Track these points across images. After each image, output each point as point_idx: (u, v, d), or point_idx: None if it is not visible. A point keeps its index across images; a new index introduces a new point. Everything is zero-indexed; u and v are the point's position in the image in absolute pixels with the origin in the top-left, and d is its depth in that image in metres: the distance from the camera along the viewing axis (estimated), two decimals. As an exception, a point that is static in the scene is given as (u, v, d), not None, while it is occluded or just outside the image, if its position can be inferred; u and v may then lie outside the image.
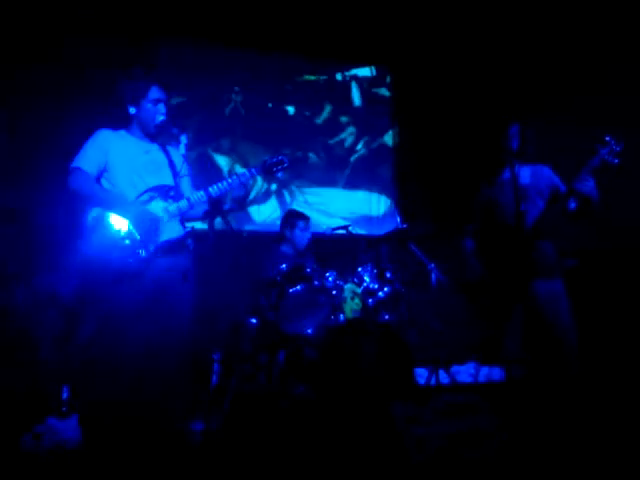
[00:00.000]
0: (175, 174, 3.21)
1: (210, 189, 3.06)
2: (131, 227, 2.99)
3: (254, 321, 4.24)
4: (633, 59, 4.85)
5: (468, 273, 3.72)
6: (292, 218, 4.88)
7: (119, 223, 2.99)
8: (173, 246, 3.10)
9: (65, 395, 3.88)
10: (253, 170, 3.24)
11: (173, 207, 3.09)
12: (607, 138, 3.28)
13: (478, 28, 6.12)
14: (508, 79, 6.00)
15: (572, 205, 3.38)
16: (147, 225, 3.01)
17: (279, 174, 3.35)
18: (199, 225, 3.36)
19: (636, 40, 4.85)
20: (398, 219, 5.03)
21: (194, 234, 3.27)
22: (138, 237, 2.99)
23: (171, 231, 3.10)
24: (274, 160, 3.31)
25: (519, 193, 3.30)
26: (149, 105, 3.15)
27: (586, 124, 4.92)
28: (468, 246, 3.76)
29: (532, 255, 3.37)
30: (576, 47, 5.27)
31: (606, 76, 5.04)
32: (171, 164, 3.22)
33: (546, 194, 3.53)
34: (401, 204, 6.56)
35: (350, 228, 5.05)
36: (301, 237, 4.82)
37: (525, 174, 3.55)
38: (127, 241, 2.97)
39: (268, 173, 3.30)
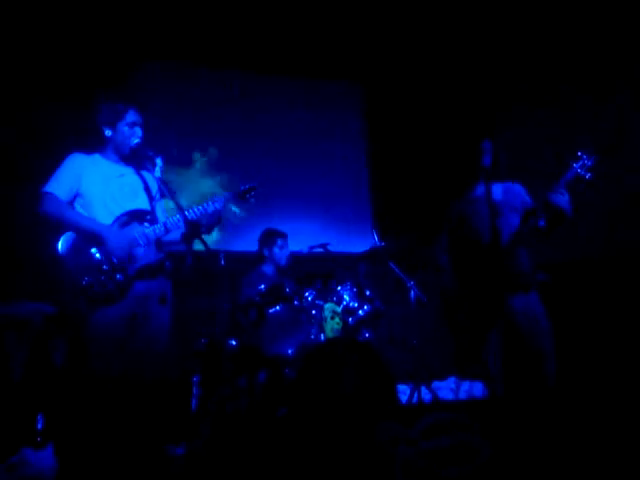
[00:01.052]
0: (151, 198, 3.18)
1: (186, 213, 3.03)
2: (108, 251, 2.95)
3: (233, 342, 4.20)
4: (603, 70, 4.93)
5: (445, 287, 3.72)
6: (270, 237, 4.87)
7: (96, 247, 2.95)
8: (150, 270, 3.07)
9: (40, 424, 3.79)
10: (227, 195, 3.25)
11: (149, 231, 3.06)
12: (579, 153, 3.34)
13: (447, 44, 6.20)
14: (479, 93, 6.07)
15: (541, 222, 3.41)
16: (125, 249, 2.98)
17: (252, 200, 3.35)
18: (176, 247, 3.32)
19: (604, 52, 4.93)
20: (375, 237, 5.03)
21: (172, 257, 3.23)
22: (115, 261, 2.95)
23: (148, 255, 3.06)
24: (247, 187, 3.34)
25: (493, 211, 3.32)
26: (125, 128, 3.14)
27: (555, 139, 5.01)
28: (443, 261, 3.76)
29: (507, 270, 3.38)
30: (545, 62, 5.35)
31: (574, 90, 5.12)
32: (146, 188, 3.19)
33: (520, 210, 3.55)
34: (378, 222, 6.56)
35: (328, 246, 5.04)
36: (280, 254, 4.83)
37: (497, 190, 3.56)
38: (104, 266, 2.93)
39: (241, 199, 3.31)
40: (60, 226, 2.99)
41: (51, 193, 3.01)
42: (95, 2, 5.18)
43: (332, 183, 6.65)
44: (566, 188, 3.30)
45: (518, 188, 3.63)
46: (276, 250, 4.81)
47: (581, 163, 3.30)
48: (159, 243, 3.15)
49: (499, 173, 3.60)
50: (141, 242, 3.03)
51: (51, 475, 3.37)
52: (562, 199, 3.29)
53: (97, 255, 2.94)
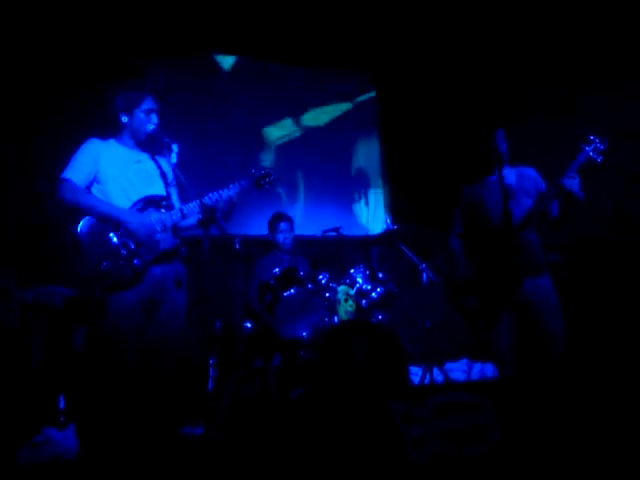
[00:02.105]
0: (167, 184, 3.22)
1: (203, 199, 3.07)
2: (126, 236, 3.00)
3: (249, 325, 4.26)
4: (614, 61, 4.91)
5: (457, 272, 3.76)
6: (275, 222, 4.90)
7: (114, 232, 3.00)
8: (167, 255, 3.12)
9: (62, 405, 3.89)
10: (243, 183, 3.27)
11: (166, 217, 3.11)
12: (591, 137, 3.38)
13: (460, 34, 6.17)
14: (491, 80, 6.06)
15: (554, 212, 3.46)
16: (143, 234, 3.03)
17: (267, 186, 3.38)
18: (193, 232, 3.37)
19: (616, 42, 4.90)
20: (388, 220, 5.06)
21: (189, 241, 3.29)
22: (133, 246, 3.00)
23: (165, 241, 3.11)
24: (262, 172, 3.36)
25: (506, 194, 3.36)
26: (142, 114, 3.17)
27: (569, 125, 5.00)
28: (456, 245, 3.80)
29: (519, 253, 3.41)
30: (557, 50, 5.33)
31: (587, 77, 5.10)
32: (162, 174, 3.23)
33: (533, 193, 3.58)
34: (390, 206, 6.58)
35: (341, 230, 5.07)
36: (284, 238, 4.84)
37: (511, 175, 3.61)
38: (122, 251, 2.98)
39: (257, 186, 3.33)
40: (78, 211, 3.04)
41: (69, 179, 3.05)
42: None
43: (345, 168, 6.67)
44: (577, 172, 3.34)
45: (532, 172, 3.66)
46: (279, 235, 4.83)
47: (593, 146, 3.36)
48: (175, 229, 3.19)
49: (512, 159, 3.64)
50: (158, 227, 3.07)
51: (73, 454, 3.46)
52: (574, 183, 3.33)
53: (115, 240, 2.98)
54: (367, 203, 6.67)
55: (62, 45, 5.12)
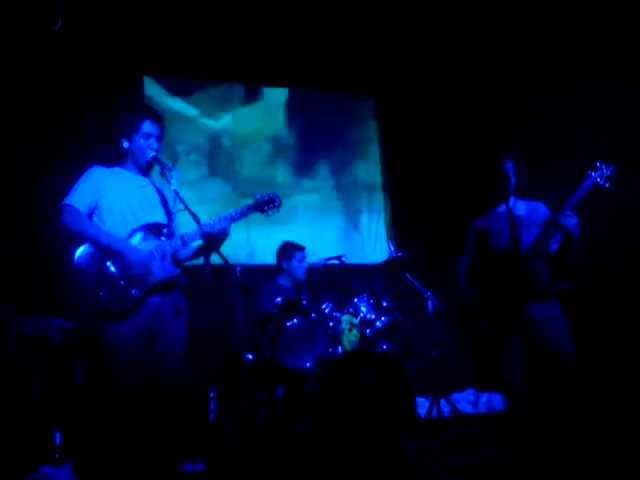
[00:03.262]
0: (168, 211, 3.16)
1: (204, 226, 3.00)
2: (125, 265, 2.93)
3: (250, 357, 4.18)
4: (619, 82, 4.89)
5: (463, 302, 3.72)
6: (288, 250, 4.84)
7: (111, 262, 2.93)
8: (166, 285, 3.05)
9: (58, 441, 3.78)
10: (245, 209, 3.20)
11: (166, 245, 3.04)
12: (597, 163, 3.39)
13: (460, 57, 6.21)
14: (494, 105, 6.05)
15: (554, 246, 3.44)
16: (142, 263, 2.96)
17: (270, 213, 3.29)
18: (193, 260, 3.30)
19: (621, 62, 4.90)
20: (391, 248, 5.01)
21: (189, 270, 3.21)
22: (130, 276, 2.93)
23: (164, 270, 3.04)
24: (266, 198, 3.27)
25: (514, 222, 3.34)
26: (141, 140, 3.11)
27: (574, 150, 4.98)
28: (461, 278, 3.76)
29: (526, 280, 3.37)
30: (561, 71, 5.33)
31: (591, 102, 5.09)
32: (163, 201, 3.17)
33: (541, 226, 3.56)
34: (393, 233, 6.53)
35: (344, 258, 5.01)
36: (299, 267, 4.79)
37: (521, 207, 3.63)
38: (120, 281, 2.91)
39: (260, 212, 3.26)
40: (79, 239, 2.97)
41: (71, 205, 2.99)
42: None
43: (347, 193, 6.64)
44: (574, 210, 3.33)
45: (542, 207, 3.66)
46: (295, 263, 4.78)
47: (599, 172, 3.35)
48: (176, 257, 3.12)
49: (522, 190, 3.63)
50: (157, 256, 3.01)
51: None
52: (570, 221, 3.32)
53: (112, 269, 2.92)
54: (369, 230, 6.61)
55: (67, 67, 5.14)
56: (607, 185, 3.35)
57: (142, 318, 2.93)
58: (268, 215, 3.28)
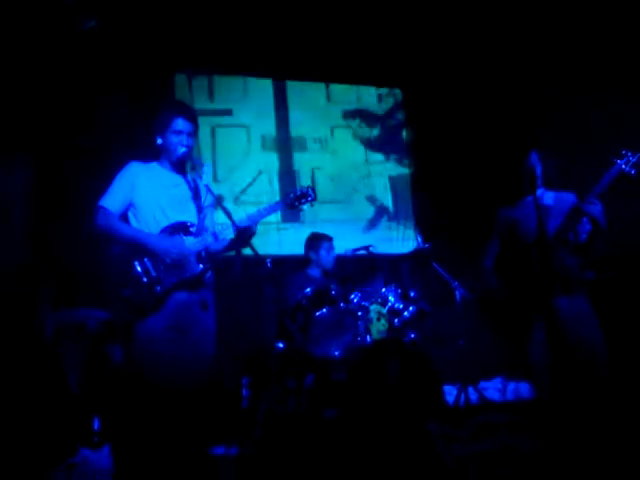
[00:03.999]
0: (199, 208, 3.22)
1: (237, 222, 3.06)
2: (151, 263, 3.02)
3: (281, 345, 4.25)
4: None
5: (489, 294, 3.73)
6: (316, 240, 4.90)
7: (138, 261, 3.02)
8: (191, 282, 3.10)
9: (96, 425, 3.91)
10: (279, 205, 3.26)
11: (193, 243, 3.09)
12: (623, 151, 3.35)
13: (489, 46, 6.17)
14: (523, 100, 6.02)
15: (583, 236, 3.41)
16: (168, 261, 3.04)
17: (304, 207, 3.31)
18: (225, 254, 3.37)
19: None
20: (419, 238, 5.04)
21: (221, 262, 3.29)
22: (154, 274, 3.01)
23: (189, 268, 3.09)
24: (298, 193, 3.29)
25: (542, 212, 3.33)
26: (173, 136, 3.16)
27: (603, 141, 4.93)
28: (488, 267, 3.76)
29: (553, 270, 3.36)
30: (588, 65, 5.28)
31: (623, 92, 5.03)
32: (196, 198, 3.23)
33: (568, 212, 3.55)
34: (421, 223, 6.55)
35: (371, 248, 5.06)
36: (327, 257, 4.84)
37: (549, 197, 3.59)
38: (144, 278, 3.00)
39: (292, 207, 3.30)
40: (112, 239, 3.08)
41: (105, 207, 3.09)
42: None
43: (375, 185, 6.67)
44: (598, 198, 3.31)
45: (571, 197, 3.63)
46: (323, 253, 4.82)
47: (625, 160, 3.32)
48: (202, 254, 3.15)
49: (549, 181, 3.62)
50: (185, 254, 3.07)
51: (107, 475, 3.48)
52: (594, 209, 3.31)
53: (138, 268, 3.00)
54: (397, 220, 6.64)
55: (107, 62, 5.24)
56: (633, 172, 3.31)
57: (169, 312, 3.00)
58: (300, 209, 3.32)
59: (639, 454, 2.96)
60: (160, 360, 2.96)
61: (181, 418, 2.97)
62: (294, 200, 3.27)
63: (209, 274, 3.18)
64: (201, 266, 3.12)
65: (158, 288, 3.00)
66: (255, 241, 3.11)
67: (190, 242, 3.10)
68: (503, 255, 3.73)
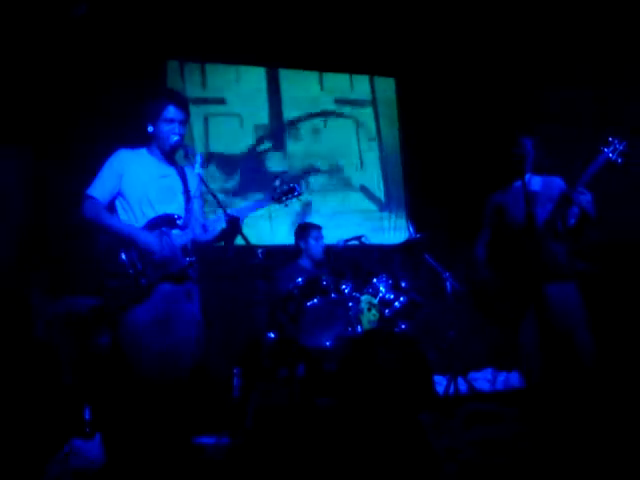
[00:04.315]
0: (188, 199, 3.21)
1: (228, 210, 3.06)
2: (136, 255, 3.01)
3: (272, 335, 4.26)
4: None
5: (480, 283, 3.74)
6: (305, 229, 4.92)
7: (123, 252, 3.01)
8: (177, 275, 3.10)
9: (87, 416, 3.92)
10: (266, 200, 3.28)
11: (179, 235, 3.09)
12: (610, 138, 3.34)
13: (480, 37, 6.18)
14: (515, 86, 6.03)
15: (571, 220, 3.42)
16: (153, 253, 3.03)
17: (288, 202, 3.32)
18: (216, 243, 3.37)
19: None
20: (411, 229, 5.05)
21: (212, 251, 3.28)
22: (140, 266, 3.01)
23: (175, 262, 3.08)
24: (285, 188, 3.30)
25: (529, 198, 3.33)
26: (164, 124, 3.14)
27: (594, 126, 4.95)
28: (479, 255, 3.78)
29: (542, 258, 3.38)
30: (581, 54, 5.29)
31: (611, 79, 5.05)
32: (186, 190, 3.22)
33: (556, 200, 3.56)
34: (413, 213, 6.57)
35: (363, 239, 5.06)
36: (316, 246, 4.84)
37: (536, 182, 3.61)
38: (130, 270, 3.00)
39: (278, 202, 3.30)
40: (98, 229, 3.06)
41: (93, 197, 3.07)
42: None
43: (366, 175, 6.68)
44: (587, 187, 3.31)
45: (558, 181, 3.64)
46: (312, 242, 4.83)
47: (612, 148, 3.31)
48: (188, 246, 3.14)
49: (538, 167, 3.63)
50: (171, 251, 3.06)
51: (99, 465, 3.49)
52: (584, 198, 3.31)
53: (124, 259, 3.00)
54: (389, 211, 6.65)
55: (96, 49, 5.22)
56: (620, 161, 3.30)
57: (155, 302, 3.00)
58: (287, 205, 3.33)
59: (628, 442, 2.99)
60: (146, 350, 2.96)
61: (167, 407, 2.98)
62: (281, 195, 3.28)
63: (191, 271, 3.15)
64: (187, 259, 3.11)
65: (143, 280, 3.00)
66: (247, 231, 3.11)
67: (176, 235, 3.09)
68: (493, 242, 3.74)
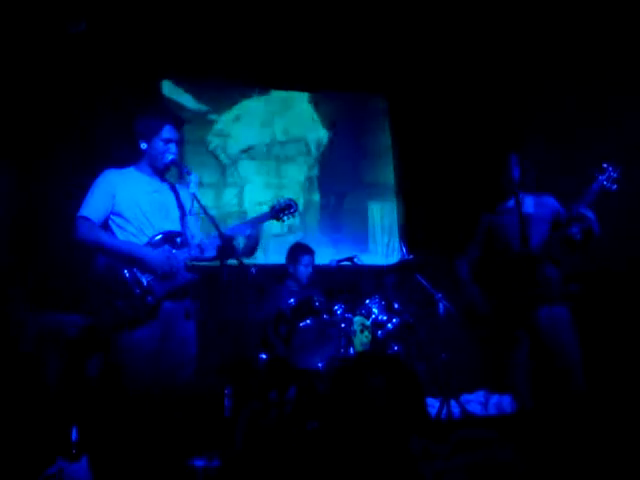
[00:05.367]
0: (183, 216, 3.20)
1: (223, 231, 3.06)
2: (140, 273, 2.99)
3: (264, 356, 4.24)
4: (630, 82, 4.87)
5: (468, 300, 3.73)
6: (297, 253, 4.86)
7: (127, 270, 3.00)
8: (180, 291, 3.11)
9: (74, 436, 3.85)
10: (262, 217, 3.29)
11: (181, 253, 3.09)
12: (604, 165, 3.37)
13: (473, 57, 6.21)
14: (505, 106, 6.06)
15: (577, 236, 3.40)
16: (162, 269, 3.02)
17: (285, 219, 3.35)
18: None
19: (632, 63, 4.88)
20: (404, 249, 5.05)
21: (205, 271, 3.27)
22: (145, 284, 2.99)
23: (179, 277, 3.09)
24: (282, 205, 3.33)
25: (524, 221, 3.34)
26: (160, 143, 3.15)
27: (584, 148, 4.97)
28: (463, 270, 3.76)
29: (536, 282, 3.38)
30: (571, 74, 5.32)
31: (602, 101, 5.08)
32: (179, 205, 3.22)
33: (550, 221, 3.56)
34: (406, 234, 6.57)
35: (355, 259, 5.06)
36: (304, 272, 4.79)
37: (529, 203, 3.60)
38: (136, 289, 2.97)
39: (276, 219, 3.32)
40: (96, 250, 3.04)
41: (86, 218, 3.04)
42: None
43: (359, 195, 6.68)
44: (589, 206, 3.32)
45: (550, 200, 3.65)
46: (301, 268, 4.78)
47: (607, 175, 3.33)
48: (188, 263, 3.16)
49: (529, 186, 3.63)
50: (173, 264, 3.06)
51: (86, 487, 3.42)
52: (586, 220, 3.31)
53: (128, 278, 2.98)
54: (382, 231, 6.65)
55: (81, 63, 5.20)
56: (614, 188, 3.33)
57: (157, 323, 3.01)
58: (283, 221, 3.34)
59: (620, 462, 2.97)
60: (143, 370, 2.96)
61: (162, 428, 2.95)
62: (279, 212, 3.30)
63: (193, 286, 3.18)
64: (191, 274, 3.13)
65: (150, 298, 2.99)
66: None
67: (177, 252, 3.08)
68: (483, 262, 3.73)
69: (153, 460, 2.93)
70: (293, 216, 3.36)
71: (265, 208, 3.36)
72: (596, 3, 5.00)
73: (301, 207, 6.21)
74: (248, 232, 3.19)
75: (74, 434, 3.84)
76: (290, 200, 3.36)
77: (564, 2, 5.21)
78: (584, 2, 5.08)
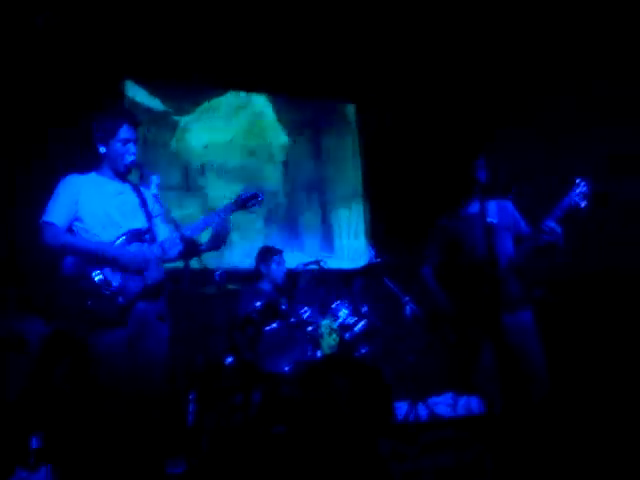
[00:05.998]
0: (149, 216, 3.15)
1: (184, 230, 3.00)
2: (110, 273, 2.93)
3: (230, 360, 4.19)
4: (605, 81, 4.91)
5: (433, 301, 3.72)
6: (266, 254, 4.89)
7: (98, 270, 2.93)
8: (152, 290, 3.05)
9: (34, 445, 3.74)
10: (228, 207, 3.21)
11: (148, 251, 3.03)
12: (577, 179, 3.37)
13: (441, 59, 6.24)
14: (475, 108, 6.09)
15: (543, 245, 3.40)
16: (138, 259, 2.97)
17: (253, 208, 3.29)
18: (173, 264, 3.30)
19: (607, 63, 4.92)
20: (371, 252, 5.04)
21: (170, 274, 3.22)
22: (115, 284, 2.93)
23: (149, 276, 3.03)
24: (248, 194, 3.26)
25: (488, 230, 3.32)
26: (118, 145, 3.08)
27: (552, 152, 5.02)
28: (428, 275, 3.75)
29: (501, 291, 3.37)
30: (541, 75, 5.37)
31: (567, 105, 5.13)
32: (144, 205, 3.16)
33: (511, 228, 3.57)
34: (373, 237, 6.57)
35: (322, 263, 5.03)
36: (277, 271, 4.83)
37: (492, 210, 3.55)
38: (105, 290, 2.91)
39: (242, 208, 3.26)
40: (64, 254, 2.97)
41: (51, 223, 2.98)
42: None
43: (327, 198, 6.67)
44: (558, 221, 3.32)
45: (508, 205, 3.65)
46: (273, 266, 4.82)
47: (578, 190, 3.33)
48: (158, 262, 3.12)
49: (494, 190, 3.62)
50: (147, 257, 3.01)
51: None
52: (553, 236, 3.31)
53: (97, 279, 2.92)
54: (349, 235, 6.65)
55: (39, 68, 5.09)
56: (582, 205, 3.30)
57: (130, 324, 2.95)
58: (251, 211, 3.29)
59: (586, 462, 3.00)
60: (117, 372, 2.89)
61: (132, 433, 2.88)
62: (245, 201, 3.23)
63: (167, 283, 3.14)
64: (160, 274, 3.08)
65: (121, 299, 2.93)
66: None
67: (147, 247, 3.03)
68: (446, 268, 3.71)
69: (126, 465, 2.86)
70: (259, 205, 3.28)
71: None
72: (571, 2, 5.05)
73: (266, 211, 6.19)
74: (214, 223, 3.12)
75: (34, 443, 3.74)
76: (256, 189, 3.30)
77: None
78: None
